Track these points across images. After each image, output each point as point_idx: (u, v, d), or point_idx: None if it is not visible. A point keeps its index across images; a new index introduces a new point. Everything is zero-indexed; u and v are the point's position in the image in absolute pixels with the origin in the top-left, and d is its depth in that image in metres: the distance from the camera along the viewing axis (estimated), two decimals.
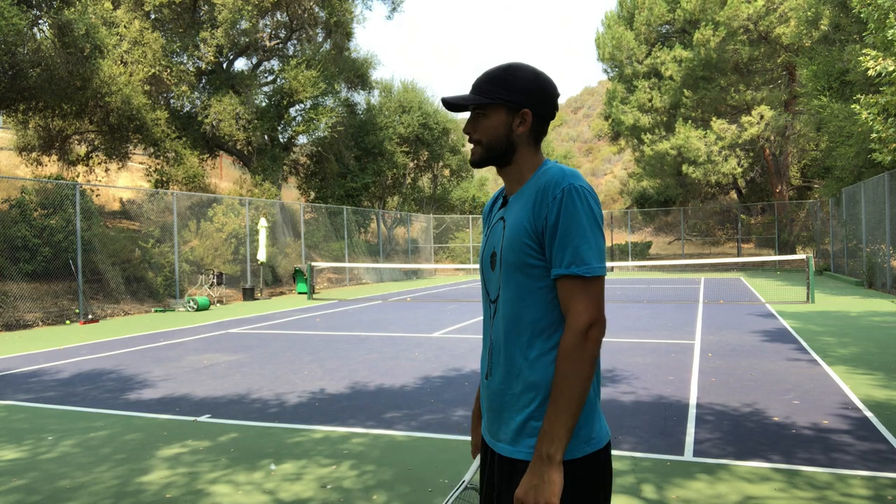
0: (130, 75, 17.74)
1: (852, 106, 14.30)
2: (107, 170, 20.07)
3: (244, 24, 21.55)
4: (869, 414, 5.10)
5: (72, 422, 5.42)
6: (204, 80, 22.45)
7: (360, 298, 17.70)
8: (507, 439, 1.61)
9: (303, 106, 24.11)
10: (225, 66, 23.00)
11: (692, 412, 5.26)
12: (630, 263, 21.62)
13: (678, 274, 26.94)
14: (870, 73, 12.84)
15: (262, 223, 18.55)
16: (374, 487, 3.81)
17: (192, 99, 22.08)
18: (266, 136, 23.40)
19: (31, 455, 4.55)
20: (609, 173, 56.34)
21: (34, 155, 18.85)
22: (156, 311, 14.89)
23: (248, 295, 17.76)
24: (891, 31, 12.31)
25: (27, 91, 14.27)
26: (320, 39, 25.53)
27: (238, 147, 23.17)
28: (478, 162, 1.70)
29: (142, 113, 17.34)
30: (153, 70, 19.00)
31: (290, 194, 29.69)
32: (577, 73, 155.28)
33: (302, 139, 25.66)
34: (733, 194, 38.12)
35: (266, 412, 5.58)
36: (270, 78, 24.80)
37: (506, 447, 1.61)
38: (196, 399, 6.12)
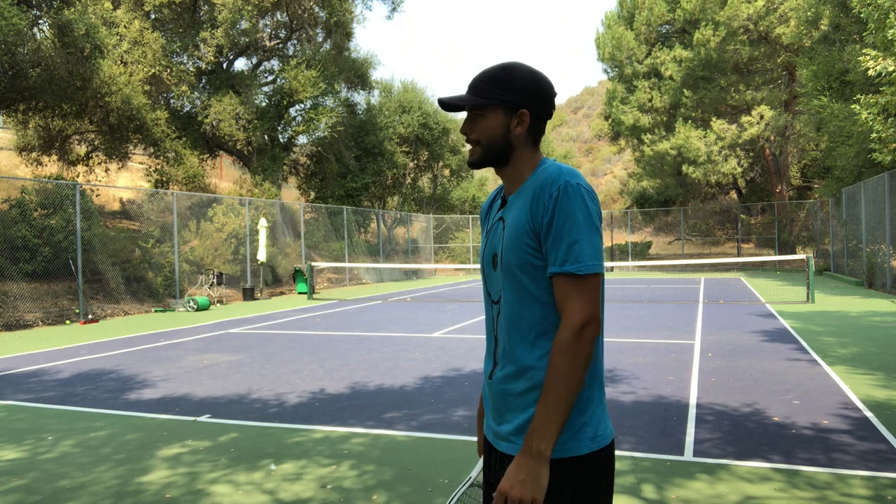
0: (130, 75, 17.74)
1: (852, 106, 14.30)
2: (107, 170, 20.07)
3: (244, 24, 21.56)
4: (869, 414, 5.10)
5: (72, 422, 5.42)
6: (204, 80, 22.46)
7: (360, 298, 17.70)
8: (509, 438, 1.62)
9: (303, 106, 24.12)
10: (225, 66, 23.01)
11: (692, 412, 5.26)
12: (630, 263, 21.64)
13: (678, 274, 26.94)
14: (870, 73, 12.84)
15: (262, 223, 18.55)
16: (374, 487, 3.81)
17: (192, 99, 22.09)
18: (266, 136, 23.40)
19: (31, 455, 4.55)
20: (609, 173, 56.35)
21: (34, 155, 18.86)
22: (156, 311, 14.89)
23: (248, 295, 17.76)
24: (891, 31, 12.31)
25: (27, 91, 14.27)
26: (320, 39, 25.53)
27: (238, 147, 23.18)
28: (476, 163, 1.69)
29: (142, 113, 17.34)
30: (153, 70, 19.00)
31: (290, 194, 29.69)
32: (577, 73, 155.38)
33: (302, 139, 25.67)
34: (733, 194, 38.12)
35: (266, 412, 5.58)
36: (270, 78, 24.81)
37: (508, 446, 1.62)
38: (196, 399, 6.12)
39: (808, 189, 33.18)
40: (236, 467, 4.21)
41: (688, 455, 4.24)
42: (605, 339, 8.82)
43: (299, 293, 19.63)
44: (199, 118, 21.18)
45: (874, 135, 13.53)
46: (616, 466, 4.00)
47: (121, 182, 23.96)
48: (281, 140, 24.59)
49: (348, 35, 25.93)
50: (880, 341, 8.58)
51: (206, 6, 21.34)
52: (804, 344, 8.44)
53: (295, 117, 24.43)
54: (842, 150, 18.05)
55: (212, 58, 21.18)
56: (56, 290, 14.04)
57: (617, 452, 4.30)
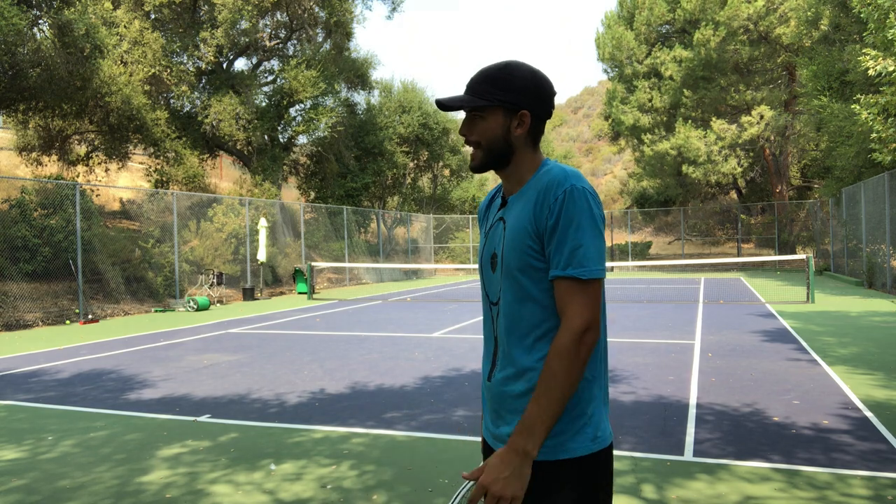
0: (130, 75, 17.74)
1: (852, 106, 14.30)
2: (107, 170, 20.08)
3: (244, 24, 21.56)
4: (869, 414, 5.10)
5: (72, 422, 5.42)
6: (204, 80, 22.46)
7: (360, 298, 17.70)
8: (507, 440, 1.61)
9: (303, 106, 24.12)
10: (225, 66, 23.01)
11: (692, 412, 5.26)
12: (630, 263, 21.65)
13: (678, 274, 26.94)
14: (870, 73, 12.84)
15: (262, 223, 18.55)
16: (374, 487, 3.81)
17: (192, 99, 22.09)
18: (266, 136, 23.40)
19: (31, 455, 4.55)
20: (609, 173, 56.36)
21: (34, 155, 18.86)
22: (156, 311, 14.89)
23: (248, 295, 17.76)
24: (891, 31, 12.31)
25: (27, 91, 14.27)
26: (320, 39, 25.54)
27: (238, 147, 23.18)
28: (478, 167, 1.67)
29: (142, 113, 17.34)
30: (153, 70, 19.00)
31: (290, 194, 29.70)
32: (577, 73, 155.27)
33: (302, 139, 25.67)
34: (733, 194, 38.13)
35: (266, 412, 5.58)
36: (270, 78, 24.81)
37: None
38: (196, 399, 6.12)
39: (808, 189, 33.18)
40: (236, 467, 4.21)
41: (688, 455, 4.24)
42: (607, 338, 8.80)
43: (299, 293, 19.63)
44: (199, 118, 21.18)
45: (874, 135, 13.53)
46: (616, 466, 4.01)
47: (121, 182, 23.96)
48: (281, 140, 24.59)
49: (348, 35, 25.94)
50: (880, 341, 8.58)
51: (206, 6, 21.34)
52: (804, 344, 8.44)
53: (295, 117, 24.44)
54: (842, 150, 18.05)
55: (212, 58, 21.18)
56: (56, 290, 14.04)
57: (617, 452, 4.30)
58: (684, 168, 29.02)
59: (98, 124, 17.49)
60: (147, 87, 18.77)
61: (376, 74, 36.52)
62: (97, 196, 16.66)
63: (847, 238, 20.67)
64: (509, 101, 1.59)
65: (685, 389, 6.07)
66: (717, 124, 27.99)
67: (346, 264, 19.99)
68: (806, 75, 19.85)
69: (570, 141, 66.58)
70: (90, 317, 13.07)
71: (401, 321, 11.98)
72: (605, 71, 34.34)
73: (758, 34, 27.01)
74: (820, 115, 19.25)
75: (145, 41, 18.97)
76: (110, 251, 15.65)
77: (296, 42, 25.17)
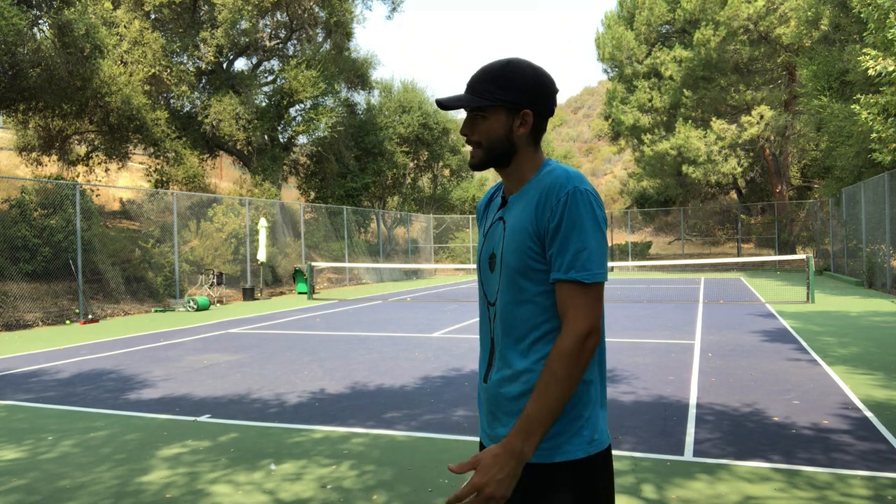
0: (130, 75, 17.74)
1: (852, 106, 14.30)
2: (107, 170, 20.07)
3: (244, 24, 21.56)
4: (869, 414, 5.10)
5: (72, 422, 5.42)
6: (204, 80, 22.46)
7: (360, 298, 17.70)
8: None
9: (303, 106, 24.12)
10: (225, 66, 23.01)
11: (692, 412, 5.26)
12: (630, 263, 21.65)
13: (678, 274, 26.94)
14: (870, 73, 12.84)
15: (262, 223, 18.55)
16: (374, 487, 3.81)
17: (192, 99, 22.09)
18: (266, 136, 23.40)
19: (31, 455, 4.55)
20: (609, 173, 56.36)
21: (34, 155, 18.86)
22: (156, 311, 14.89)
23: (248, 295, 17.76)
24: (891, 31, 12.31)
25: (27, 91, 14.27)
26: (320, 39, 25.53)
27: (238, 147, 23.17)
28: (478, 165, 1.64)
29: (142, 113, 17.34)
30: (153, 70, 19.00)
31: (290, 194, 29.69)
32: (577, 73, 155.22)
33: (302, 139, 25.67)
34: (733, 194, 38.13)
35: (266, 412, 5.58)
36: (270, 78, 24.81)
37: None
38: (196, 399, 6.12)
39: (808, 189, 33.19)
40: (236, 467, 4.21)
41: (688, 455, 4.24)
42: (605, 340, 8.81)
43: (299, 293, 19.63)
44: (199, 118, 21.18)
45: (874, 135, 13.53)
46: (616, 466, 4.01)
47: (121, 182, 23.96)
48: (281, 140, 24.59)
49: (348, 35, 25.93)
50: (880, 341, 8.58)
51: (206, 6, 21.34)
52: (804, 344, 8.44)
53: (295, 117, 24.44)
54: (842, 150, 18.05)
55: (212, 58, 21.18)
56: (56, 290, 14.04)
57: (617, 452, 4.30)
58: (684, 168, 29.03)
59: (98, 124, 17.49)
60: (147, 87, 18.77)
61: (376, 74, 36.47)
62: (97, 196, 16.66)
63: (847, 238, 20.67)
64: (511, 100, 1.57)
65: (685, 389, 6.07)
66: (717, 124, 27.99)
67: (346, 264, 19.99)
68: (806, 75, 19.85)
69: (570, 141, 66.58)
70: (90, 317, 13.07)
71: (401, 321, 11.98)
72: (605, 71, 34.35)
73: (758, 34, 27.01)
74: (820, 115, 19.25)
75: (145, 41, 18.97)
76: (110, 251, 15.65)
77: (296, 42, 25.17)
